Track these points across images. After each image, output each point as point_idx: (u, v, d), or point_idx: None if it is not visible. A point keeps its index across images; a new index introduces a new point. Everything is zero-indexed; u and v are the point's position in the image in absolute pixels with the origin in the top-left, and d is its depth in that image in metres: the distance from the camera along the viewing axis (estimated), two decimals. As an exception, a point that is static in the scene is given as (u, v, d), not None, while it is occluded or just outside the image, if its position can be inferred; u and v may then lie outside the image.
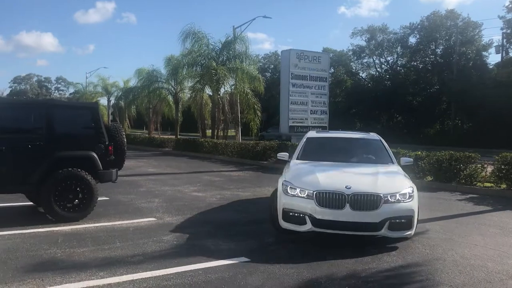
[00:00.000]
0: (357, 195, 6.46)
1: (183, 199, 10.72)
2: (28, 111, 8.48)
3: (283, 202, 6.83)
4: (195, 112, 33.81)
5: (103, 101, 55.78)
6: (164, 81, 37.00)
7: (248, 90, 28.43)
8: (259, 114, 28.79)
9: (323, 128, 22.97)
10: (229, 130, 33.80)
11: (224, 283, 5.14)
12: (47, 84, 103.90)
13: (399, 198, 6.55)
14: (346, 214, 6.43)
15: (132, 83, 46.23)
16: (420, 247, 6.76)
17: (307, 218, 6.58)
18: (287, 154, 8.73)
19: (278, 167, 18.51)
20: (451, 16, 46.82)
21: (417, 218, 6.77)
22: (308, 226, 6.59)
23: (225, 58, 29.32)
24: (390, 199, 6.51)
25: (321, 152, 8.48)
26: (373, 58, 55.29)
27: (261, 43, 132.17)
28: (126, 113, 50.17)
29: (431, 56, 49.80)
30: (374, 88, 51.05)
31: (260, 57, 63.96)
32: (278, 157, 8.78)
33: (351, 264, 5.93)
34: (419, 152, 14.53)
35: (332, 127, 20.37)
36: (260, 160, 20.53)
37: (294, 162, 8.17)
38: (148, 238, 6.97)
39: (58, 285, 4.91)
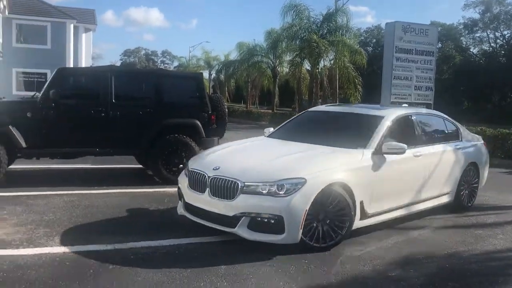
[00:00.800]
0: (216, 179, 5.22)
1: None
2: (139, 80, 9.10)
3: (178, 180, 6.13)
4: (294, 86, 33.84)
5: (205, 74, 57.83)
6: (263, 54, 37.36)
7: (349, 64, 27.80)
8: (360, 88, 28.09)
9: (427, 106, 21.82)
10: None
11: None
12: (153, 57, 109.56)
13: (271, 190, 4.94)
14: (204, 200, 5.31)
15: (233, 56, 47.31)
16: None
17: (181, 199, 5.86)
18: (271, 129, 7.32)
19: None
20: None
21: (303, 220, 4.89)
22: (180, 210, 5.85)
23: (325, 31, 28.86)
24: (254, 189, 5.01)
25: (303, 129, 7.11)
26: (487, 32, 51.24)
27: (363, 16, 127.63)
28: (226, 87, 51.55)
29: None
30: (487, 65, 47.44)
31: (361, 31, 61.96)
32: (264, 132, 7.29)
33: (452, 244, 5.70)
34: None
35: (437, 105, 19.34)
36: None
37: (256, 138, 7.09)
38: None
39: (166, 239, 5.27)
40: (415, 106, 13.19)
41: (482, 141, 8.28)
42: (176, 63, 75.79)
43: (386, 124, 6.22)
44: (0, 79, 30.42)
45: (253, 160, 5.65)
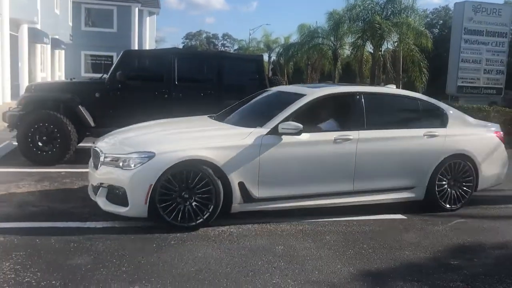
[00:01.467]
0: (94, 151, 5.42)
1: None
2: (201, 62, 9.27)
3: None
4: (355, 69, 33.17)
5: (265, 57, 57.75)
6: (324, 37, 36.76)
7: (413, 47, 26.80)
8: (425, 72, 27.04)
9: (498, 91, 20.73)
10: (389, 89, 32.52)
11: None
12: (214, 40, 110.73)
13: (121, 162, 4.93)
14: (93, 174, 5.30)
15: (293, 39, 46.93)
16: None
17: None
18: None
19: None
20: None
21: (148, 194, 4.78)
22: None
23: (389, 12, 27.92)
24: (109, 161, 5.06)
25: (240, 109, 6.61)
26: None
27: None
28: (285, 69, 51.30)
29: None
30: None
31: (428, 12, 59.35)
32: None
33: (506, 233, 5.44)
34: None
35: (510, 89, 18.21)
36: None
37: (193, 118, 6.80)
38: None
39: (226, 219, 5.39)
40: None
41: (494, 130, 6.73)
42: (236, 46, 76.25)
43: (300, 104, 5.63)
44: (70, 61, 31.91)
45: (135, 135, 5.78)
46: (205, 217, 5.04)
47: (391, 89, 6.64)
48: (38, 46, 23.06)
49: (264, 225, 5.26)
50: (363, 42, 29.32)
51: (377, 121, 6.03)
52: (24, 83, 19.19)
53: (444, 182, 6.14)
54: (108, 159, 5.06)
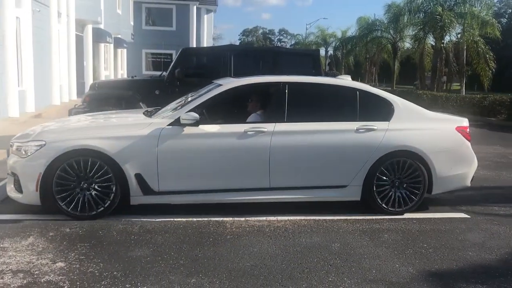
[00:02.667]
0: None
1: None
2: (257, 58, 9.32)
3: None
4: (416, 62, 32.12)
5: (321, 51, 57.10)
6: (382, 29, 35.85)
7: (478, 38, 25.58)
8: (492, 64, 25.74)
9: None
10: (452, 84, 31.29)
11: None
12: (270, 36, 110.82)
13: (19, 150, 5.06)
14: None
15: (350, 32, 46.13)
16: None
17: None
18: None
19: (508, 125, 16.55)
20: None
21: (38, 182, 4.83)
22: None
23: (452, 3, 26.82)
24: (13, 149, 5.16)
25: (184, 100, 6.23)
26: None
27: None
28: (342, 64, 50.49)
29: None
30: None
31: (495, 0, 56.41)
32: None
33: None
34: None
35: None
36: (487, 116, 18.55)
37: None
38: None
39: (280, 215, 5.38)
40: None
41: (456, 126, 5.80)
42: (292, 41, 75.90)
43: (211, 95, 5.41)
44: (132, 59, 33.02)
45: (53, 124, 5.82)
46: (106, 205, 5.01)
47: (323, 78, 6.02)
48: (102, 45, 24.04)
49: (320, 222, 5.21)
50: (424, 35, 28.38)
51: (301, 113, 5.56)
52: (89, 81, 20.11)
53: (384, 182, 5.49)
54: (14, 148, 5.15)
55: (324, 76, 9.23)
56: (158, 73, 10.78)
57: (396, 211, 5.52)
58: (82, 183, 4.95)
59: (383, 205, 5.50)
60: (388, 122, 5.58)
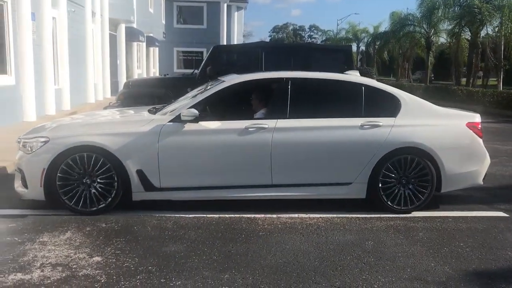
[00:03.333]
0: None
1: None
2: (288, 54, 9.29)
3: None
4: (451, 57, 31.40)
5: (353, 47, 56.46)
6: (415, 24, 35.16)
7: (517, 31, 24.81)
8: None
9: None
10: (489, 79, 30.44)
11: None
12: (301, 32, 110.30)
13: (24, 146, 5.17)
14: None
15: (383, 28, 45.44)
16: None
17: None
18: None
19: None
20: None
21: (42, 178, 4.93)
22: None
23: (489, -4, 26.06)
24: (20, 145, 5.26)
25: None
26: None
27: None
28: (374, 59, 49.83)
29: None
30: None
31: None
32: None
33: None
34: None
35: None
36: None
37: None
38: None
39: (313, 212, 5.36)
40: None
41: (467, 122, 5.57)
42: (323, 37, 75.33)
43: (214, 90, 5.42)
44: (164, 57, 33.44)
45: (64, 119, 6.06)
46: (107, 201, 5.07)
47: (327, 74, 5.87)
48: (134, 44, 24.43)
49: (352, 219, 5.16)
50: (460, 29, 27.71)
51: (304, 109, 5.47)
52: (122, 79, 20.48)
53: (390, 180, 5.36)
54: (21, 144, 5.24)
55: (359, 69, 9.08)
56: (190, 71, 10.89)
57: (402, 209, 5.39)
58: (85, 178, 5.04)
59: (389, 203, 5.38)
60: (394, 118, 5.44)
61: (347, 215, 5.27)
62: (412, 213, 5.40)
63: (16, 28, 10.88)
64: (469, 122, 5.60)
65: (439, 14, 30.32)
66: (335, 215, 5.26)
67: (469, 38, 28.82)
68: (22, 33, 10.96)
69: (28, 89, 11.22)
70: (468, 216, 5.39)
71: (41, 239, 4.35)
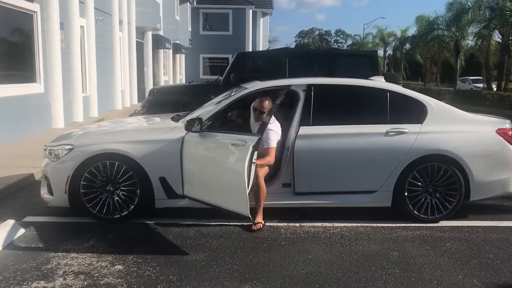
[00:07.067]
0: None
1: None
2: (312, 60, 9.22)
3: None
4: (480, 61, 30.73)
5: (379, 51, 55.80)
6: (443, 28, 34.57)
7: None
8: None
9: None
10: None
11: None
12: (327, 37, 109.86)
13: (50, 153, 5.24)
14: None
15: (411, 32, 44.87)
16: None
17: None
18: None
19: None
20: None
21: (67, 185, 4.98)
22: None
23: (520, -3, 25.42)
24: (45, 153, 5.36)
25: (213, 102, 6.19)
26: None
27: None
28: (402, 63, 49.16)
29: None
30: None
31: None
32: None
33: None
34: None
35: None
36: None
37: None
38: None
39: (335, 221, 5.27)
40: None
41: (497, 128, 5.40)
42: (349, 42, 74.82)
43: (235, 97, 5.37)
44: (190, 64, 33.76)
45: (91, 127, 6.18)
46: (130, 209, 5.07)
47: (351, 80, 5.74)
48: (161, 51, 24.73)
49: (377, 229, 5.05)
50: (490, 32, 27.12)
51: (327, 116, 5.38)
52: (149, 86, 20.75)
53: (416, 188, 5.22)
54: (47, 151, 5.30)
55: (385, 75, 8.96)
56: (215, 77, 10.94)
57: (429, 218, 5.24)
58: (109, 186, 5.06)
59: (415, 212, 5.24)
60: (420, 124, 5.31)
61: (372, 224, 5.16)
62: (440, 222, 5.25)
63: (45, 37, 11.14)
64: (499, 129, 5.42)
65: (469, 17, 29.76)
66: (359, 224, 5.16)
67: (500, 41, 28.15)
68: (51, 42, 11.21)
69: (57, 97, 11.46)
70: (498, 226, 5.20)
71: (65, 247, 4.40)
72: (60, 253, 4.24)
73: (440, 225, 5.19)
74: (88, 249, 4.37)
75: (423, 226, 5.13)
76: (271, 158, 5.02)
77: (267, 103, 5.22)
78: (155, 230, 4.91)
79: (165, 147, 5.07)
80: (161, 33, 23.49)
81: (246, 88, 5.56)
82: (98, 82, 14.54)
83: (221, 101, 5.62)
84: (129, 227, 4.95)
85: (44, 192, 5.33)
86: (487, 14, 27.89)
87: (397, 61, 50.97)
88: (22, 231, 4.73)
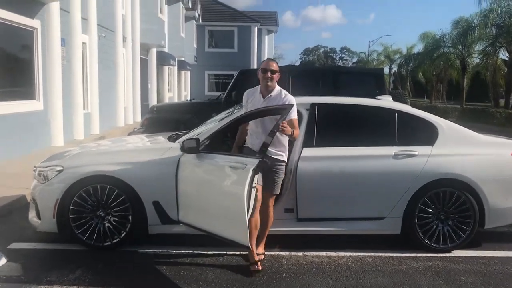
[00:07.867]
0: None
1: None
2: (316, 78, 8.97)
3: None
4: (486, 78, 30.50)
5: (385, 69, 55.67)
6: (450, 45, 34.41)
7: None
8: None
9: None
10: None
11: (528, 280, 4.28)
12: (332, 54, 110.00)
13: (39, 175, 4.92)
14: None
15: (417, 49, 44.72)
16: None
17: None
18: None
19: None
20: None
21: (55, 209, 4.65)
22: None
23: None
24: (35, 174, 5.05)
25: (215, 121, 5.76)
26: None
27: None
28: (408, 81, 48.95)
29: None
30: None
31: None
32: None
33: None
34: None
35: None
36: None
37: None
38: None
39: (340, 250, 4.94)
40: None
41: None
42: (355, 59, 74.87)
43: (234, 116, 4.93)
44: (195, 81, 33.70)
45: (84, 147, 5.83)
46: (122, 236, 4.73)
47: (357, 99, 5.45)
48: (166, 68, 24.62)
49: (386, 259, 4.70)
50: (496, 49, 26.95)
51: (332, 137, 5.09)
52: (153, 103, 20.53)
53: (428, 214, 4.89)
54: (36, 172, 5.00)
55: (392, 93, 8.69)
56: (218, 94, 10.75)
57: (441, 248, 4.90)
58: (99, 211, 4.73)
59: (426, 240, 4.90)
60: (431, 147, 5.01)
61: (380, 254, 4.82)
62: (452, 252, 4.91)
63: (45, 54, 10.96)
64: None
65: (475, 35, 29.61)
66: (366, 254, 4.82)
67: (507, 59, 27.92)
68: (51, 59, 11.02)
69: (57, 114, 11.23)
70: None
71: (48, 278, 4.07)
72: (42, 286, 3.93)
73: (453, 255, 4.84)
74: (74, 281, 4.04)
75: (434, 256, 4.79)
76: (297, 131, 4.47)
77: (275, 64, 4.77)
78: (147, 259, 4.59)
79: (160, 170, 4.72)
80: (166, 50, 23.40)
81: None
82: (100, 99, 14.34)
83: (222, 119, 5.33)
84: (120, 255, 4.63)
85: (32, 216, 5.01)
86: (494, 31, 27.72)
87: (402, 78, 50.77)
88: (4, 260, 4.40)
